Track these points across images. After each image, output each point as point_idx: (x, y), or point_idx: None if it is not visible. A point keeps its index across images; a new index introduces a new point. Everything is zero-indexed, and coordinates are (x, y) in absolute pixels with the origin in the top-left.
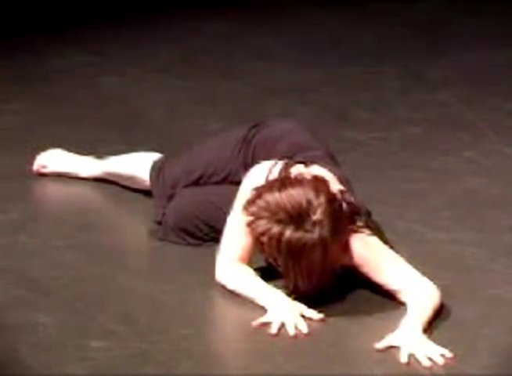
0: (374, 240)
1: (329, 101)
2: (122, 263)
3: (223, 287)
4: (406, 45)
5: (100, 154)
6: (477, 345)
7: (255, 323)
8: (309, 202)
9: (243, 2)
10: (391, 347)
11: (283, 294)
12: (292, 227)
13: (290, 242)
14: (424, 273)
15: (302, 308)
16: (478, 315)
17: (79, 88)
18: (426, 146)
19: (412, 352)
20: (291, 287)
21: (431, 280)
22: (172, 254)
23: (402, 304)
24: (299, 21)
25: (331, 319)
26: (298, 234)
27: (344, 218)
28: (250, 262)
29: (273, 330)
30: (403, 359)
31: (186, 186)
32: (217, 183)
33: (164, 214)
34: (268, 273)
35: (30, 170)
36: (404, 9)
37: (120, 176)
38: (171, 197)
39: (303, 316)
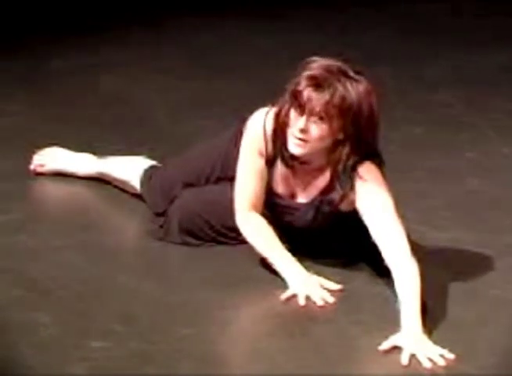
0: (385, 184)
1: None
2: (122, 263)
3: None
4: (406, 46)
5: (100, 154)
6: (477, 345)
7: (283, 296)
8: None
9: (244, 3)
10: (395, 347)
11: (300, 266)
12: (347, 81)
13: (353, 94)
14: (424, 273)
15: (321, 279)
16: (478, 315)
17: (79, 89)
18: (426, 146)
19: (414, 353)
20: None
21: (431, 279)
22: (172, 254)
23: None
24: (299, 21)
25: (332, 320)
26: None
27: None
28: (262, 207)
29: (301, 302)
30: (404, 360)
31: (186, 187)
32: (218, 182)
33: (166, 215)
34: None
35: (30, 170)
36: (404, 10)
37: (113, 179)
38: (171, 199)
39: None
